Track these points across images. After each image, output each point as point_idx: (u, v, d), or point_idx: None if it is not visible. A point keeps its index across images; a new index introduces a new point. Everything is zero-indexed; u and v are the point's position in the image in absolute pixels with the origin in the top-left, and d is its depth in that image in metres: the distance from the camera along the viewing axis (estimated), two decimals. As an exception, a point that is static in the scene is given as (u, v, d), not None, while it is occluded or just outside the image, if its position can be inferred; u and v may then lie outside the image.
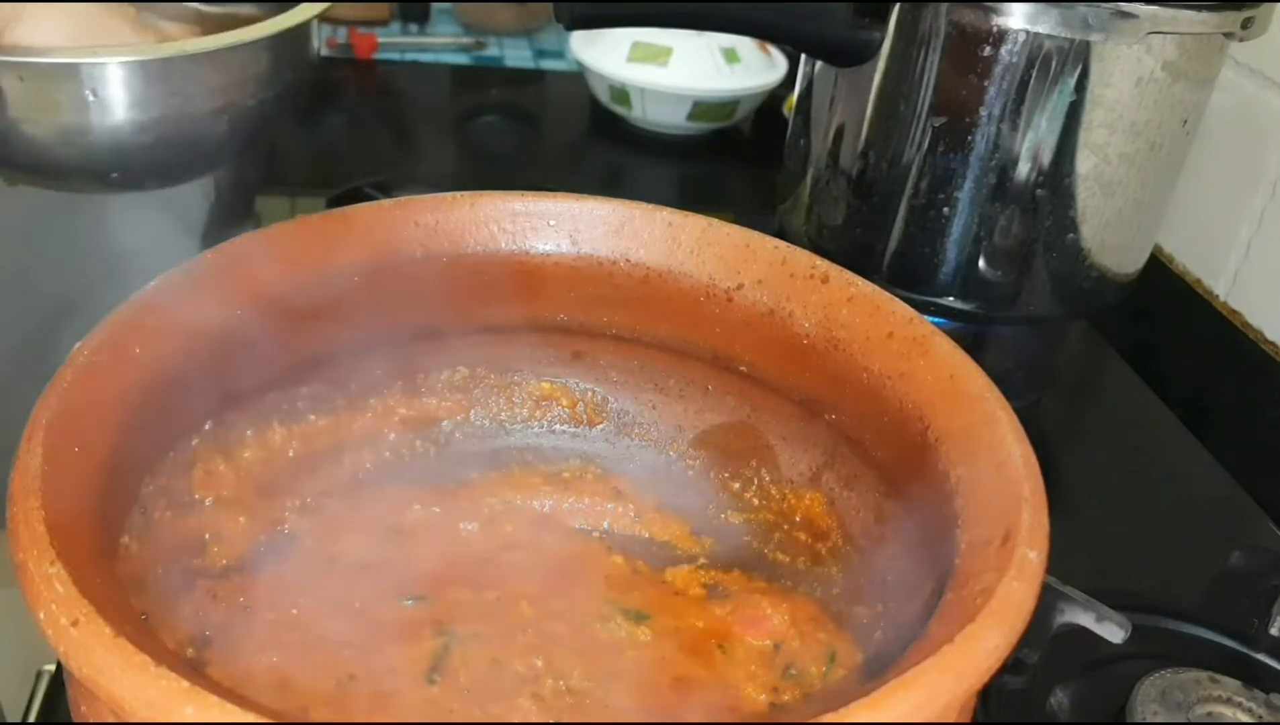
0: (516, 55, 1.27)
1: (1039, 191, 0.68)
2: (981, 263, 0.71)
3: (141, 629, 0.33)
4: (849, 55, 0.71)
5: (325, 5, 0.73)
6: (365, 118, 1.15)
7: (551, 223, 0.53)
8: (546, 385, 0.57)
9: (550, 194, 0.53)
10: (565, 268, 0.53)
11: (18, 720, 0.48)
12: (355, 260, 0.49)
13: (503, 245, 0.53)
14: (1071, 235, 0.70)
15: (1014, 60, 0.65)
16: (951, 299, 0.72)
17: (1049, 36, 0.64)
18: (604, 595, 0.50)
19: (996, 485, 0.39)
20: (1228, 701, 0.52)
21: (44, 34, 0.64)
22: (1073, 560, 0.47)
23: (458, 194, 0.52)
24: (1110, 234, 0.71)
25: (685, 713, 0.45)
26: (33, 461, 0.34)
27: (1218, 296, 0.83)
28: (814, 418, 0.51)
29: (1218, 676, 0.53)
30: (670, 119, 1.06)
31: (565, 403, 0.57)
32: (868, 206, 0.73)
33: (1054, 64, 0.64)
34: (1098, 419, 0.82)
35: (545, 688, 0.45)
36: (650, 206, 0.52)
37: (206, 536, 0.47)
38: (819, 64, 0.75)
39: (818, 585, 0.51)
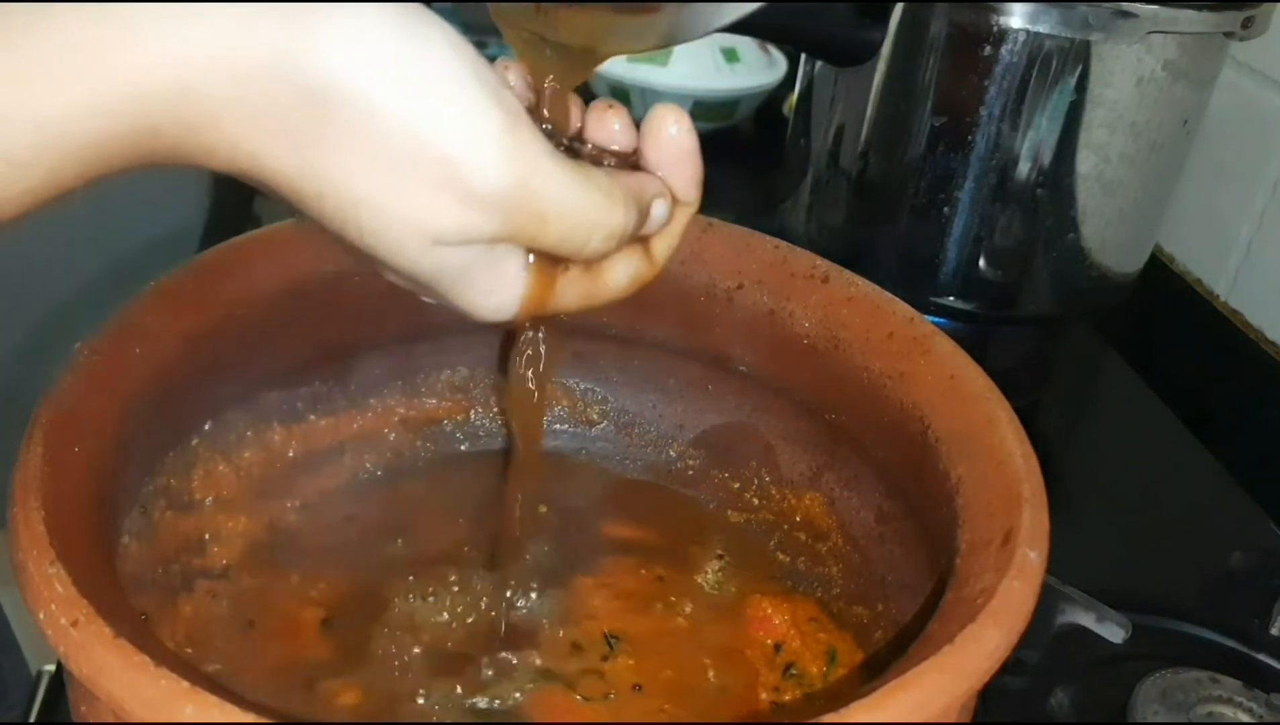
0: (516, 55, 1.26)
1: (1039, 191, 0.68)
2: (982, 262, 0.71)
3: (141, 629, 0.33)
4: (849, 55, 0.71)
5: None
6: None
7: (551, 223, 0.53)
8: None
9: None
10: (565, 268, 0.53)
11: (18, 720, 0.48)
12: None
13: (503, 245, 0.52)
14: (1072, 235, 0.70)
15: (1014, 60, 0.65)
16: (952, 299, 0.72)
17: (1049, 36, 0.64)
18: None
19: (997, 485, 0.39)
20: (1228, 701, 0.52)
21: None
22: (1073, 560, 0.47)
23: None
24: (1110, 234, 0.71)
25: (686, 712, 0.45)
26: (33, 461, 0.34)
27: (1218, 296, 0.83)
28: (814, 418, 0.51)
29: (1218, 676, 0.53)
30: (670, 119, 1.06)
31: (565, 403, 0.57)
32: (868, 206, 0.73)
33: (1054, 64, 0.64)
34: (1098, 419, 0.82)
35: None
36: (650, 206, 0.52)
37: (206, 536, 0.47)
38: (819, 64, 0.75)
39: (818, 585, 0.51)
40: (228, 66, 0.27)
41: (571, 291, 0.34)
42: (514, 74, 0.35)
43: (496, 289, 0.32)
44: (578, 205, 0.31)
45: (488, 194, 0.29)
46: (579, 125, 0.37)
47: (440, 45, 0.28)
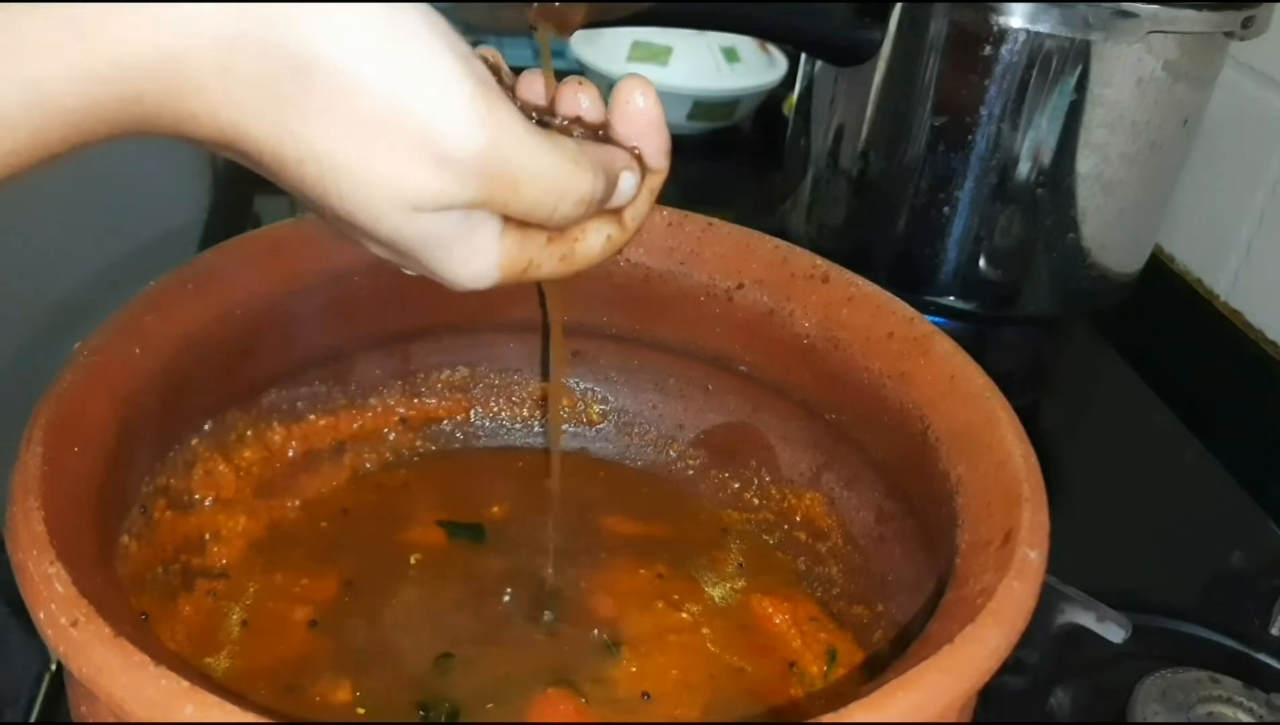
0: (516, 55, 1.26)
1: (1039, 191, 0.68)
2: (982, 262, 0.71)
3: (141, 629, 0.33)
4: (849, 55, 0.71)
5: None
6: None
7: (551, 222, 0.53)
8: (547, 385, 0.57)
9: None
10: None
11: (18, 720, 0.48)
12: (355, 260, 0.49)
13: (503, 245, 0.52)
14: (1072, 235, 0.70)
15: (1014, 60, 0.65)
16: (952, 299, 0.72)
17: (1049, 36, 0.64)
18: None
19: (997, 485, 0.39)
20: (1228, 701, 0.52)
21: None
22: (1073, 560, 0.47)
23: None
24: (1110, 233, 0.71)
25: (690, 712, 0.45)
26: (33, 461, 0.34)
27: (1218, 296, 0.82)
28: (814, 418, 0.51)
29: (1218, 676, 0.53)
30: (670, 119, 1.05)
31: (566, 402, 0.57)
32: (868, 206, 0.73)
33: (1054, 63, 0.64)
34: (1098, 419, 0.82)
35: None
36: (650, 206, 0.52)
37: (206, 536, 0.47)
38: (819, 64, 0.75)
39: (818, 585, 0.51)
40: (213, 35, 0.27)
41: (547, 257, 0.35)
42: (488, 54, 0.36)
43: (474, 256, 0.33)
44: (548, 171, 0.32)
45: (463, 159, 0.30)
46: (550, 102, 0.38)
47: (415, 17, 0.29)
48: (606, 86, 1.14)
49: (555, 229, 0.35)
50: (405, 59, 0.29)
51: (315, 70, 0.28)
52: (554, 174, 0.32)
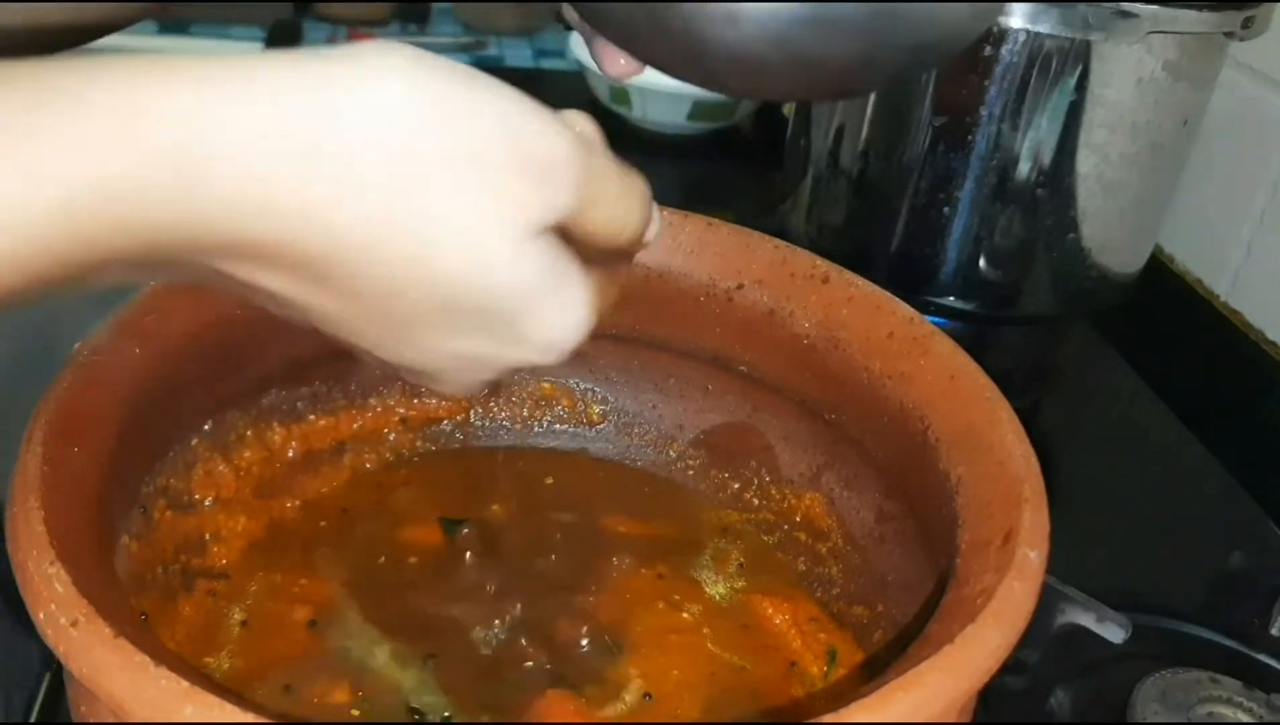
0: (516, 55, 1.27)
1: (1039, 191, 0.68)
2: (982, 263, 0.71)
3: (141, 629, 0.33)
4: (849, 55, 0.71)
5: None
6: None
7: (551, 223, 0.53)
8: (547, 386, 0.57)
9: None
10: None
11: (18, 720, 0.48)
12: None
13: (503, 245, 0.52)
14: (1072, 235, 0.70)
15: (1015, 60, 0.65)
16: (952, 299, 0.72)
17: (1050, 36, 0.64)
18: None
19: (997, 485, 0.39)
20: (1228, 702, 0.52)
21: None
22: (1073, 560, 0.47)
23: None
24: (1111, 234, 0.71)
25: (690, 712, 0.45)
26: (33, 461, 0.34)
27: (1218, 296, 0.83)
28: (814, 418, 0.51)
29: (1218, 677, 0.53)
30: (670, 119, 1.06)
31: (566, 403, 0.57)
32: (868, 206, 0.73)
33: (1055, 64, 0.64)
34: (1098, 419, 0.82)
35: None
36: (650, 206, 0.52)
37: (206, 536, 0.47)
38: (819, 64, 0.75)
39: (818, 585, 0.51)
40: (276, 125, 0.27)
41: (605, 301, 0.34)
42: None
43: (566, 299, 0.32)
44: (617, 173, 0.33)
45: (560, 164, 0.30)
46: None
47: (459, 63, 0.30)
48: (606, 87, 1.15)
49: (616, 250, 0.34)
50: (493, 95, 0.29)
51: (417, 136, 0.28)
52: (621, 175, 0.33)
